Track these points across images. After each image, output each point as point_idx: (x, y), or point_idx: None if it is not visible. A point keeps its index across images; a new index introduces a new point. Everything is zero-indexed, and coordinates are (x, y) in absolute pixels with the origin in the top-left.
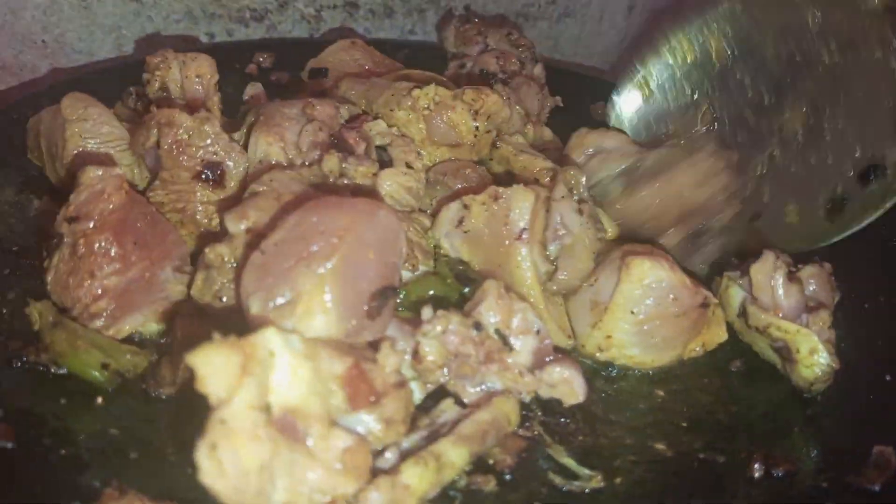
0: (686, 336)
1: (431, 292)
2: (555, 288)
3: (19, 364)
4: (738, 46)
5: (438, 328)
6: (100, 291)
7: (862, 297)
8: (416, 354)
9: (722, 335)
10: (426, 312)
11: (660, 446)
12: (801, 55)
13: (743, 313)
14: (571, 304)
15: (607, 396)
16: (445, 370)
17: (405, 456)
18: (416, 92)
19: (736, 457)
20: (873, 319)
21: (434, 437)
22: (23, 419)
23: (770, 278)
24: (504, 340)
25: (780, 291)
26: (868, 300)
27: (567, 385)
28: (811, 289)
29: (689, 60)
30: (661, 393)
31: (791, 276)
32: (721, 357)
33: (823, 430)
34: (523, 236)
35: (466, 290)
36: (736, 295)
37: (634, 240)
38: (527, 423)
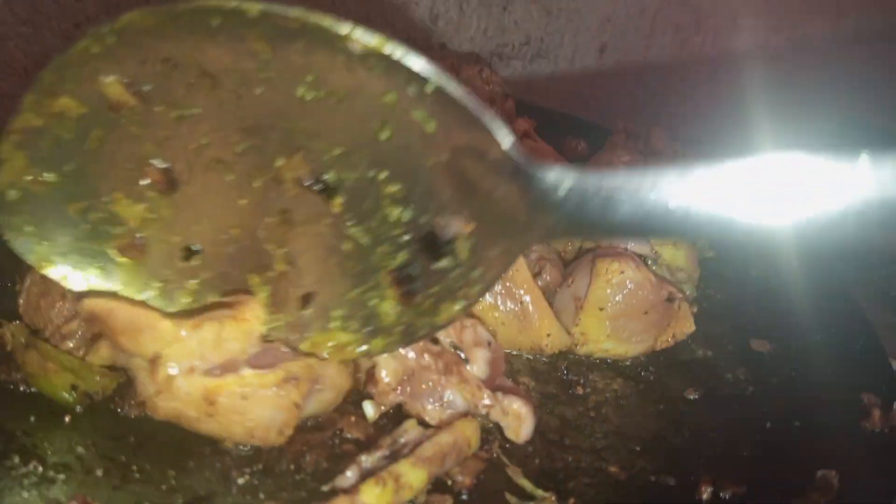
0: (655, 329)
1: None
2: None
3: None
4: None
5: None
6: (71, 313)
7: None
8: (371, 377)
9: (690, 327)
10: None
11: (613, 469)
12: None
13: None
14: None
15: (564, 421)
16: (400, 391)
17: (365, 476)
18: None
19: (686, 480)
20: (826, 352)
21: (395, 457)
22: None
23: None
24: (459, 353)
25: None
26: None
27: (517, 421)
28: None
29: None
30: (615, 419)
31: None
32: (676, 385)
33: (770, 455)
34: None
35: None
36: None
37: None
38: (486, 446)
